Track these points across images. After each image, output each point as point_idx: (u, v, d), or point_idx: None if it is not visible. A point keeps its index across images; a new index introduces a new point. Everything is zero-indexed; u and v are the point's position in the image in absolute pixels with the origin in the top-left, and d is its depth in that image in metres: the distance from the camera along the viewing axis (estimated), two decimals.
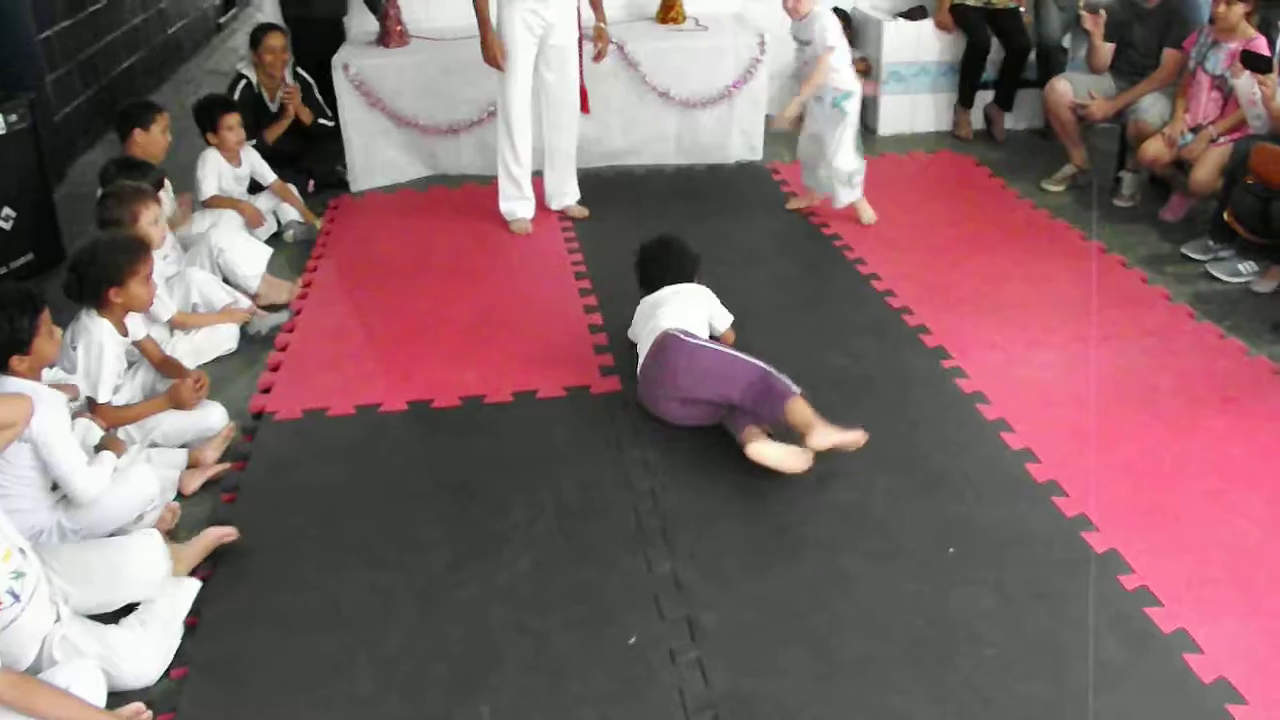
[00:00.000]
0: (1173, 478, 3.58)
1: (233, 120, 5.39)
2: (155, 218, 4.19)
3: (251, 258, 4.88)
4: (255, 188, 5.68)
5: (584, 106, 5.64)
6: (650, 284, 4.25)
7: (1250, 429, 3.84)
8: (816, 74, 5.27)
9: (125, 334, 3.83)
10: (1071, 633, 2.94)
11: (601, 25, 5.56)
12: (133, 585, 3.00)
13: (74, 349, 3.69)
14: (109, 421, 3.69)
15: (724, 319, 4.21)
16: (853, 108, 5.37)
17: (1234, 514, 3.40)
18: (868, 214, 5.58)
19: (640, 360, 3.98)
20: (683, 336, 3.82)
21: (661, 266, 4.27)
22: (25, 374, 3.15)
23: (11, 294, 3.18)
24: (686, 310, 4.02)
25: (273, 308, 4.85)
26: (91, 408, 3.70)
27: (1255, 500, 3.47)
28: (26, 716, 2.49)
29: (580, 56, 5.51)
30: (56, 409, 3.16)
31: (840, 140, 5.38)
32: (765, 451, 3.54)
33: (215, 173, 5.38)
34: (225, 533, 3.32)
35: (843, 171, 5.44)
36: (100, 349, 3.67)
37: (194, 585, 3.14)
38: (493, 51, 5.28)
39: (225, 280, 4.74)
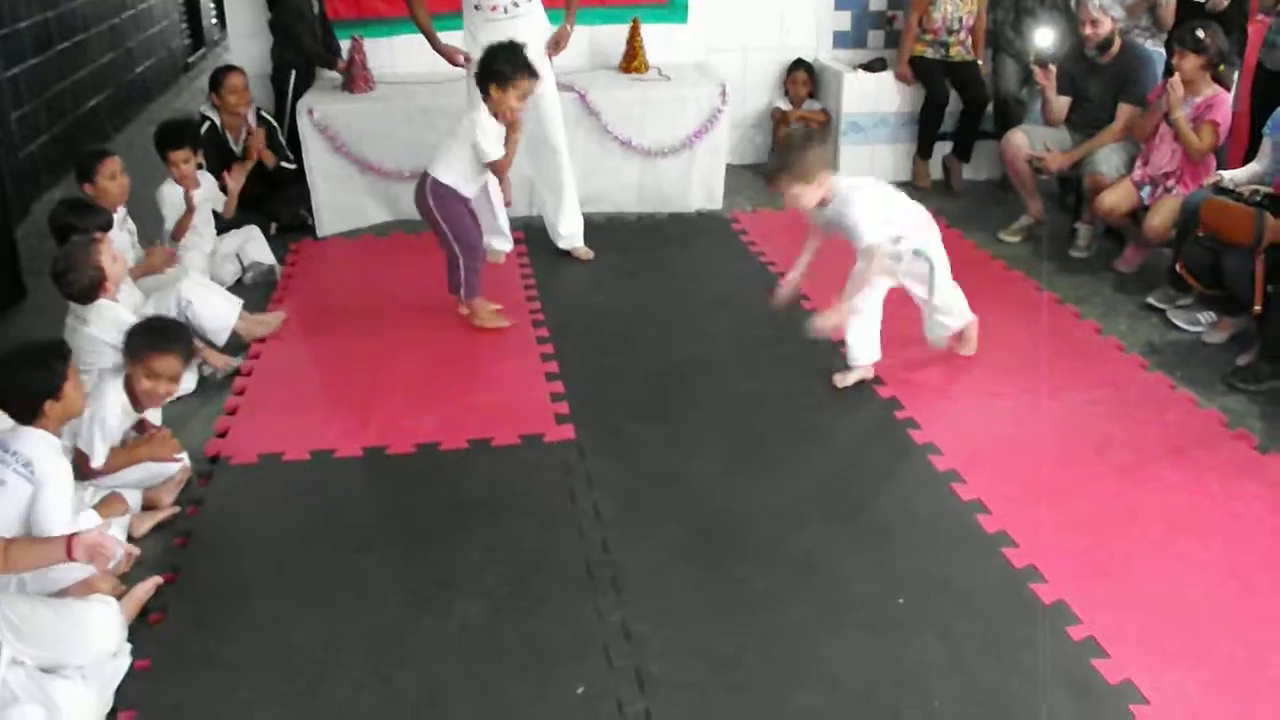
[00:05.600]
0: (1122, 529, 3.61)
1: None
2: (112, 256, 4.19)
3: (220, 311, 4.83)
4: (222, 228, 5.68)
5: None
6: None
7: (1199, 480, 3.88)
8: (869, 271, 4.31)
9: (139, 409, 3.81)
10: (1020, 684, 2.96)
11: (567, 28, 5.65)
12: (85, 652, 2.95)
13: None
14: (86, 476, 3.66)
15: None
16: (937, 252, 4.48)
17: (1182, 565, 3.43)
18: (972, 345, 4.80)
19: (473, 181, 4.93)
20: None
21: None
22: (52, 425, 3.16)
23: (44, 343, 3.25)
24: None
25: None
26: (78, 462, 3.64)
27: (1202, 551, 3.50)
28: None
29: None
30: (66, 469, 3.17)
31: (937, 284, 4.50)
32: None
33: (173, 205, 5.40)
34: (149, 586, 3.31)
35: (951, 306, 4.62)
36: (106, 412, 3.64)
37: (127, 648, 3.10)
38: (450, 55, 5.60)
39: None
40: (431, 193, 4.83)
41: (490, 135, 4.74)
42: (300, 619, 3.23)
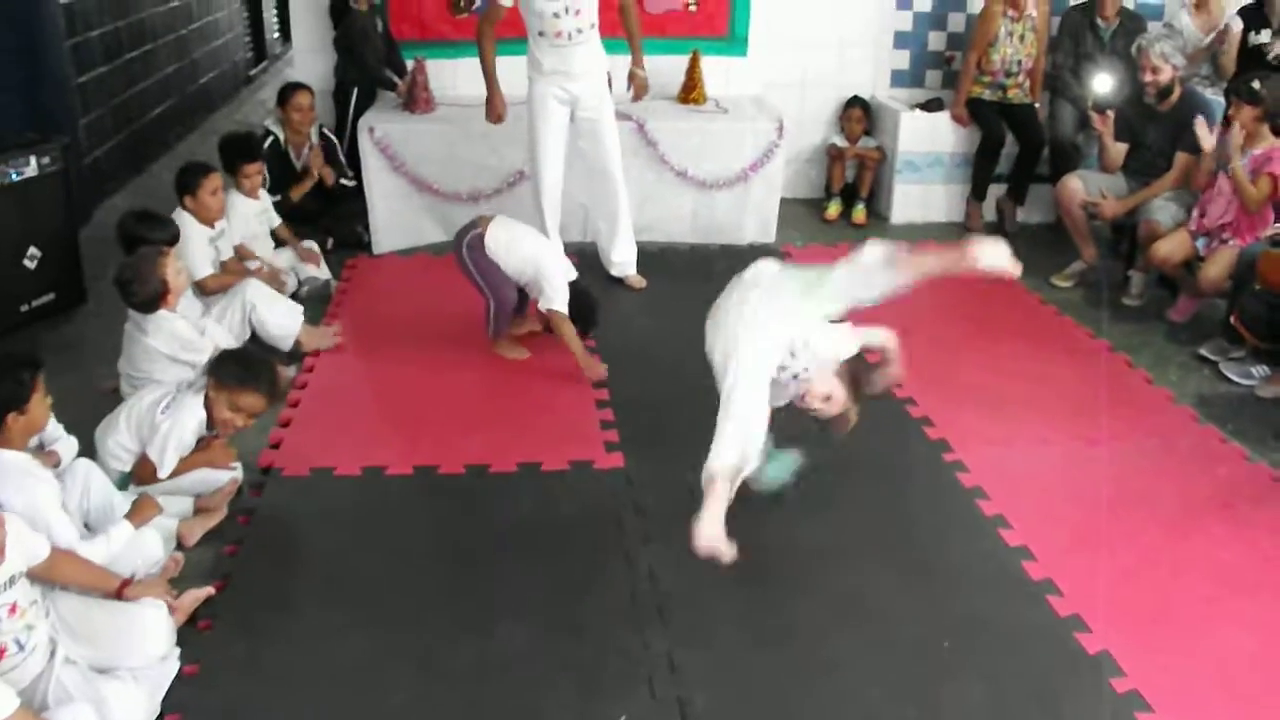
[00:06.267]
0: (1168, 582, 3.60)
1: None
2: (176, 269, 4.27)
3: (285, 317, 4.92)
4: (280, 241, 5.77)
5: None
6: None
7: (1248, 536, 3.85)
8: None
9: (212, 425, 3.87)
10: None
11: (637, 70, 5.75)
12: (136, 654, 3.01)
13: (160, 414, 3.77)
14: (145, 481, 3.75)
15: None
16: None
17: (1228, 621, 3.41)
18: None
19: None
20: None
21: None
22: (15, 438, 3.18)
23: (13, 355, 3.27)
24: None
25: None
26: (140, 468, 3.77)
27: (1250, 608, 3.48)
28: None
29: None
30: (42, 485, 3.20)
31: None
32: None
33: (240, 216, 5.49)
34: (200, 594, 3.34)
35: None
36: (184, 429, 3.73)
37: (176, 653, 3.14)
38: (496, 109, 5.63)
39: (253, 337, 4.82)
40: (469, 247, 4.88)
41: (559, 295, 4.83)
42: (346, 633, 3.27)
